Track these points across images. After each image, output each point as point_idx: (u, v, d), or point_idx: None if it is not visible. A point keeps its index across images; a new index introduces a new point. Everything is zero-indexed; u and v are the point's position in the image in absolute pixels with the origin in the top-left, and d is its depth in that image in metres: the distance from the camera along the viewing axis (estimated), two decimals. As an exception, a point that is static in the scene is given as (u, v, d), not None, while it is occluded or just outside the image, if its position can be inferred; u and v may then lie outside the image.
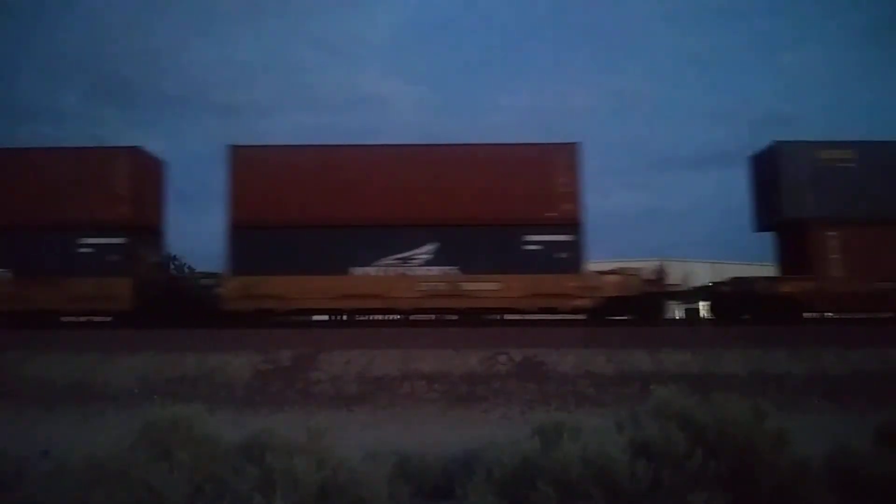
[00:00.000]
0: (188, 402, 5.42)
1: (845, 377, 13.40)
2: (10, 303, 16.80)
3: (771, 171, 17.99)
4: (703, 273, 24.43)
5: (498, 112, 76.82)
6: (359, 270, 16.83)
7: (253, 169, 17.24)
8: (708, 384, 12.18)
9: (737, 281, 18.18)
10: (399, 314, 18.00)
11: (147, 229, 18.27)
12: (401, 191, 17.05)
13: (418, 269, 16.84)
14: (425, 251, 16.90)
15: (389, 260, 16.88)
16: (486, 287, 16.69)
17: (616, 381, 13.47)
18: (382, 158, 17.67)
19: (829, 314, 18.12)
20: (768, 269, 19.85)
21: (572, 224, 16.90)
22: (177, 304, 17.88)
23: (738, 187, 23.61)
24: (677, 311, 18.56)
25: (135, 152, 17.88)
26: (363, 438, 7.57)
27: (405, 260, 16.89)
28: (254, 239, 16.78)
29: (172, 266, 20.62)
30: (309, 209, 16.94)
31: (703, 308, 20.69)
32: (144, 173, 18.20)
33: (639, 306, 17.56)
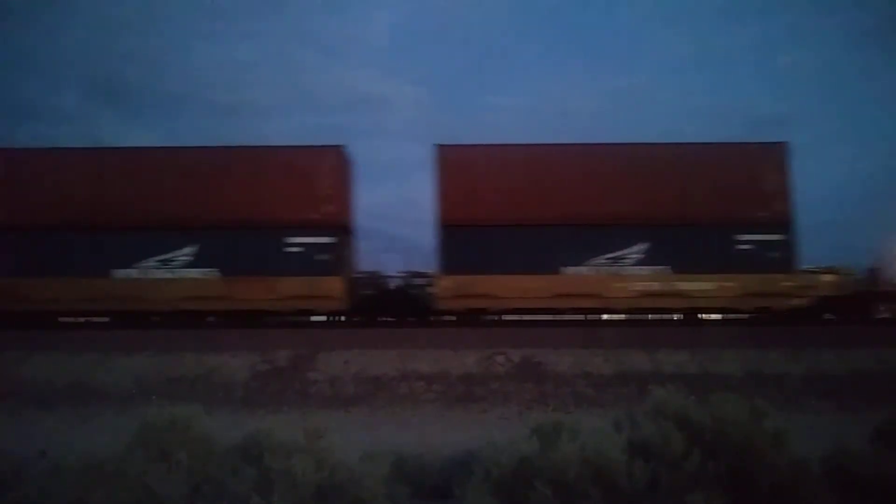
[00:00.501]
0: (186, 403, 5.41)
1: (843, 377, 13.42)
2: (221, 303, 16.86)
3: None
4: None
5: (498, 112, 76.99)
6: (570, 270, 16.82)
7: (463, 168, 17.22)
8: (706, 384, 12.21)
9: None
10: (614, 313, 18.09)
11: (348, 228, 18.24)
12: (613, 190, 17.02)
13: (630, 269, 16.81)
14: (637, 250, 16.87)
15: (601, 259, 16.85)
16: (701, 287, 16.67)
17: (614, 381, 13.48)
18: (594, 157, 17.57)
19: (828, 315, 18.17)
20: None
21: (784, 223, 16.86)
22: (391, 303, 18.02)
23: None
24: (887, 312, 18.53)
25: (339, 151, 17.75)
26: (361, 439, 7.56)
27: (616, 259, 16.87)
28: (465, 238, 16.78)
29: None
30: (521, 208, 16.89)
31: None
32: (346, 172, 18.19)
33: (850, 306, 17.52)
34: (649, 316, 18.52)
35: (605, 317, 18.67)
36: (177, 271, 16.83)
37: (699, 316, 17.82)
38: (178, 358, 14.44)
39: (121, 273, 16.77)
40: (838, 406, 12.26)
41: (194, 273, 16.83)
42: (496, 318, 18.14)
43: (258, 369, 14.08)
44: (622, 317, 18.47)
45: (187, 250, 16.90)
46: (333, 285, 16.70)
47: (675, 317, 18.23)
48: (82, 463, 4.36)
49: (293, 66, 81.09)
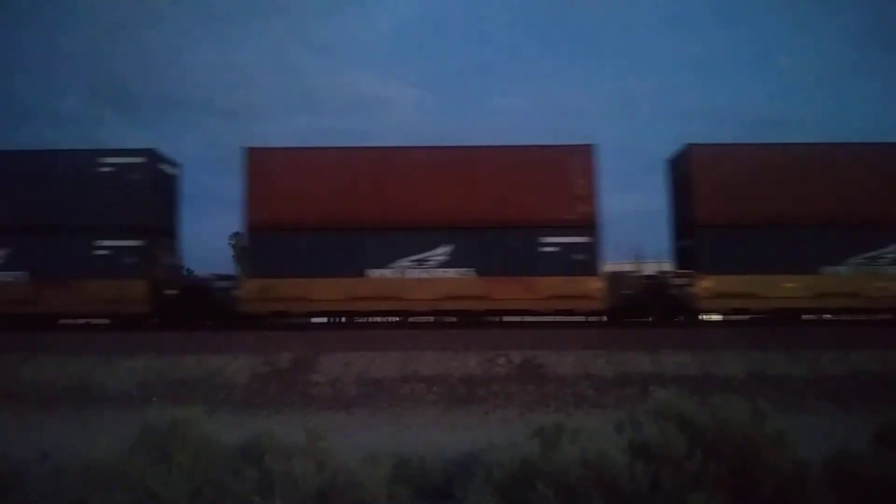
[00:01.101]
0: (187, 405, 5.42)
1: (844, 378, 13.40)
2: (478, 302, 16.93)
3: None
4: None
5: (497, 114, 77.07)
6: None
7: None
8: (707, 386, 12.20)
9: None
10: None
11: (599, 228, 17.87)
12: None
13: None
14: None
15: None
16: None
17: (615, 382, 13.46)
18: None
19: (828, 315, 18.19)
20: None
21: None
22: (651, 302, 17.82)
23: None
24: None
25: (589, 150, 17.56)
26: (362, 441, 7.56)
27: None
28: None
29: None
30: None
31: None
32: (595, 171, 17.92)
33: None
34: (649, 318, 18.48)
35: (604, 318, 18.62)
36: (432, 271, 16.93)
37: (700, 317, 17.82)
38: (180, 360, 14.43)
39: (375, 273, 16.89)
40: (839, 407, 12.24)
41: (451, 273, 16.92)
42: (496, 319, 18.17)
43: (259, 371, 14.07)
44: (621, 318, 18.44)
45: (442, 250, 16.97)
46: (593, 285, 16.71)
47: (678, 318, 18.20)
48: (83, 465, 4.37)
49: (294, 68, 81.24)
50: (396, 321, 18.09)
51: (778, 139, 17.90)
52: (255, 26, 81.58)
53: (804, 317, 17.64)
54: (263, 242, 16.92)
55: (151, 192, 17.46)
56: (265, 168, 17.23)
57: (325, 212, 16.96)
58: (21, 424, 11.46)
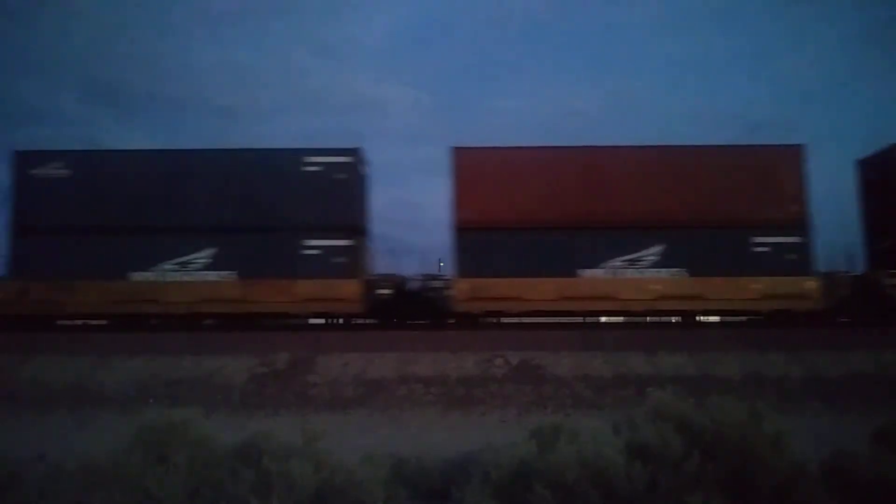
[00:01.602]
0: (184, 406, 5.41)
1: (843, 379, 13.43)
2: (695, 302, 16.90)
3: None
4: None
5: (496, 115, 77.08)
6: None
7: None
8: (705, 387, 12.21)
9: None
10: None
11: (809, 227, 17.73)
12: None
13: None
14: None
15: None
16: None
17: (613, 383, 13.48)
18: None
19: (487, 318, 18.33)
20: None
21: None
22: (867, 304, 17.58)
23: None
24: None
25: (800, 150, 17.45)
26: (360, 441, 7.57)
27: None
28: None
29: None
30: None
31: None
32: (805, 171, 17.73)
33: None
34: (647, 319, 18.51)
35: (603, 319, 18.67)
36: (644, 271, 16.92)
37: (697, 318, 17.83)
38: (177, 361, 14.43)
39: (587, 272, 16.91)
40: (837, 408, 12.27)
41: (663, 273, 16.92)
42: (494, 320, 18.14)
43: (257, 372, 14.07)
44: (620, 319, 18.46)
45: (654, 249, 16.96)
46: (808, 285, 16.64)
47: (673, 319, 18.23)
48: (81, 466, 4.36)
49: (293, 69, 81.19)
50: (604, 321, 18.18)
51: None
52: (254, 27, 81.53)
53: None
54: (474, 242, 16.96)
55: (358, 191, 17.58)
56: (474, 168, 17.30)
57: (536, 211, 17.02)
58: (18, 425, 11.46)
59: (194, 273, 16.93)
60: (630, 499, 4.09)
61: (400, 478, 4.91)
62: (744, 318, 17.91)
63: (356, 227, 17.26)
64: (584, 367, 14.03)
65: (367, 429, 11.33)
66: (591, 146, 18.06)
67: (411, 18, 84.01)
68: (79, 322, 18.04)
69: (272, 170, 17.37)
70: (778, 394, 12.79)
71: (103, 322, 17.82)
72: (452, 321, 17.39)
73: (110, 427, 11.12)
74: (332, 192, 17.12)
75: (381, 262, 19.66)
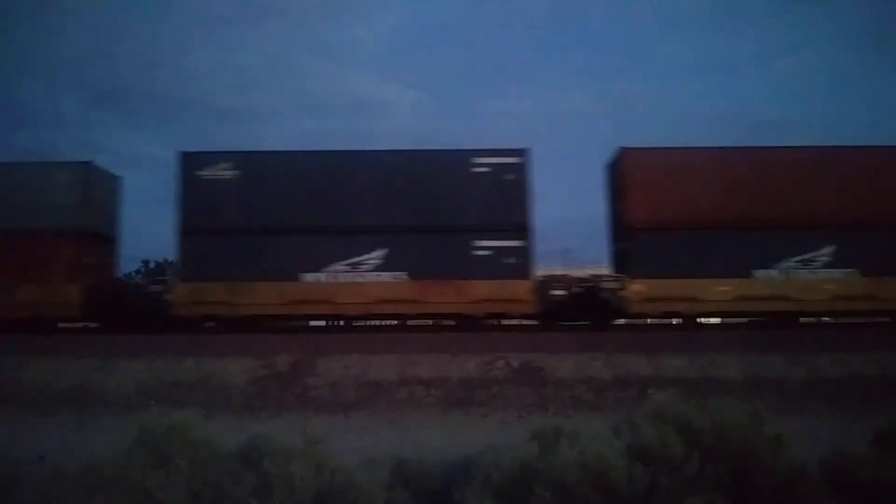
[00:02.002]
0: (185, 408, 5.41)
1: (843, 381, 13.42)
2: (867, 302, 16.88)
3: None
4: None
5: (496, 116, 77.10)
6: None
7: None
8: (705, 388, 12.20)
9: None
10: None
11: None
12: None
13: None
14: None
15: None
16: None
17: (614, 385, 13.47)
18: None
19: (826, 318, 18.22)
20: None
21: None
22: None
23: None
24: None
25: None
26: (360, 444, 7.56)
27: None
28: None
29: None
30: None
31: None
32: None
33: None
34: (647, 320, 18.50)
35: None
36: (817, 271, 16.94)
37: (698, 320, 17.83)
38: (178, 363, 14.43)
39: (761, 273, 16.94)
40: (838, 410, 12.25)
41: (836, 273, 16.92)
42: (496, 322, 18.16)
43: (257, 374, 14.07)
44: (622, 321, 18.47)
45: (826, 250, 16.98)
46: None
47: (674, 321, 18.22)
48: (81, 468, 4.36)
49: (293, 71, 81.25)
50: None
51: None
52: (256, 29, 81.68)
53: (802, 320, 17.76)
54: (649, 242, 17.02)
55: (525, 192, 17.57)
56: (647, 168, 17.38)
57: (710, 211, 17.05)
58: (19, 427, 11.46)
59: (366, 274, 17.02)
60: (631, 500, 4.09)
61: (401, 479, 4.91)
62: (744, 320, 17.96)
63: (525, 228, 17.26)
64: (585, 369, 14.02)
65: (367, 431, 11.32)
66: (763, 147, 18.28)
67: (412, 20, 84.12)
68: (79, 325, 18.10)
69: (441, 170, 17.50)
70: (778, 395, 12.77)
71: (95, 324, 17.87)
72: (624, 322, 17.54)
73: (111, 429, 11.12)
74: (501, 193, 17.25)
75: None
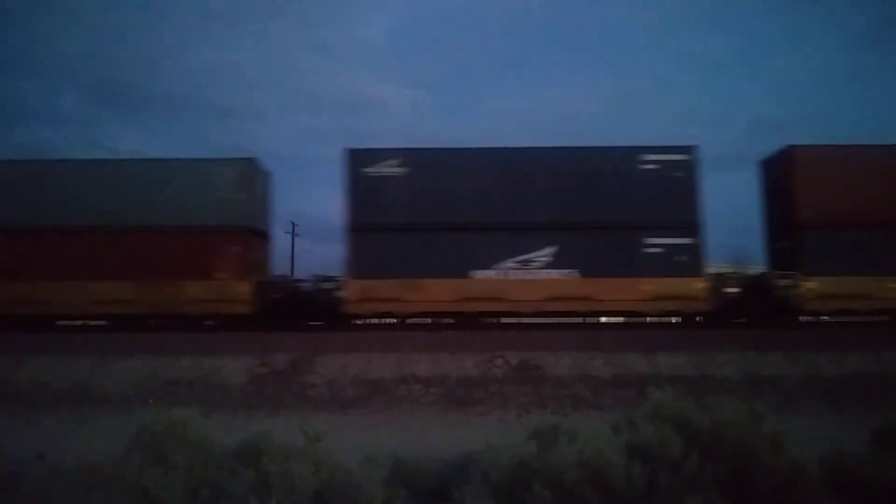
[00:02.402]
0: (184, 406, 5.41)
1: (841, 379, 13.43)
2: None
3: None
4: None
5: (495, 115, 77.09)
6: None
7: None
8: (704, 387, 12.21)
9: None
10: None
11: None
12: None
13: None
14: None
15: None
16: None
17: (612, 384, 13.48)
18: None
19: (825, 317, 18.21)
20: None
21: None
22: None
23: (736, 191, 23.62)
24: None
25: None
26: (359, 442, 7.55)
27: None
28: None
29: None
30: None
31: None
32: None
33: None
34: (647, 320, 18.52)
35: (603, 320, 18.69)
36: None
37: (697, 319, 17.83)
38: (176, 361, 14.42)
39: None
40: (836, 408, 12.27)
41: None
42: (495, 321, 18.14)
43: (256, 372, 14.06)
44: (621, 320, 18.48)
45: None
46: None
47: (673, 320, 18.24)
48: (80, 466, 4.35)
49: (291, 69, 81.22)
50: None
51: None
52: (254, 28, 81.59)
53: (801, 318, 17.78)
54: (818, 240, 17.06)
55: (694, 189, 17.55)
56: (817, 166, 17.37)
57: (880, 208, 17.10)
58: (17, 425, 11.45)
59: (537, 271, 17.04)
60: (629, 499, 4.09)
61: (399, 478, 4.90)
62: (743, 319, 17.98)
63: (696, 225, 17.25)
64: (584, 367, 14.03)
65: (366, 429, 11.32)
66: None
67: (411, 19, 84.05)
68: (79, 322, 18.10)
69: (609, 167, 17.51)
70: (777, 394, 12.78)
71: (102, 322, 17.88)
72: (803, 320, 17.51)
73: (109, 427, 11.12)
74: (670, 190, 17.26)
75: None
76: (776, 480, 4.36)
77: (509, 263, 17.09)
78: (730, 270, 18.90)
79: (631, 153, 17.57)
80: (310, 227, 58.56)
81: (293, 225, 39.35)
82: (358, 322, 17.84)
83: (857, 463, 4.72)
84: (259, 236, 18.78)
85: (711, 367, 13.99)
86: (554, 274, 17.07)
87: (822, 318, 18.05)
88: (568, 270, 17.07)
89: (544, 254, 17.14)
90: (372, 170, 17.44)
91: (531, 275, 17.04)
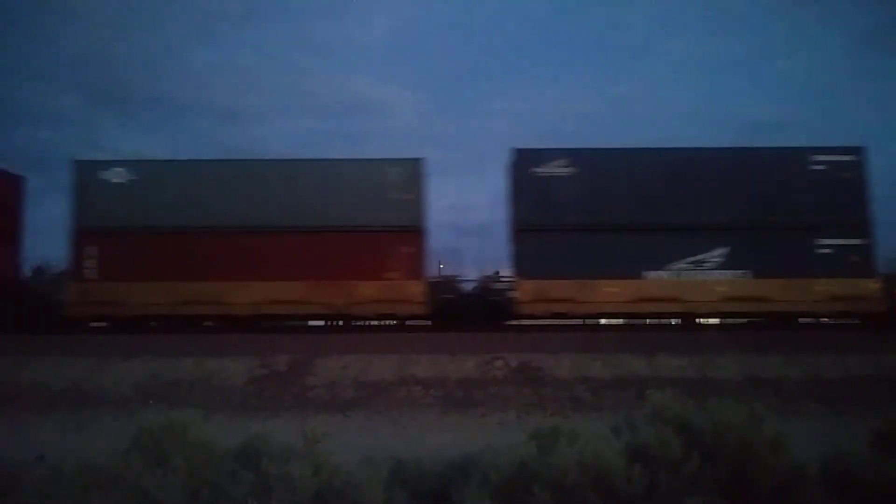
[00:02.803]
0: (183, 407, 5.40)
1: (842, 381, 13.42)
2: None
3: None
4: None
5: (495, 116, 77.15)
6: None
7: None
8: (704, 389, 12.20)
9: None
10: None
11: None
12: None
13: None
14: None
15: None
16: None
17: (612, 385, 13.46)
18: None
19: (825, 319, 18.18)
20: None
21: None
22: None
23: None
24: None
25: None
26: (359, 443, 7.55)
27: None
28: None
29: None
30: None
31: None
32: None
33: None
34: (647, 321, 18.51)
35: (602, 321, 18.68)
36: None
37: (697, 321, 17.83)
38: (176, 362, 14.41)
39: None
40: (837, 410, 12.26)
41: None
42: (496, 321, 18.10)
43: (256, 374, 14.05)
44: (620, 321, 18.47)
45: None
46: None
47: (673, 321, 18.23)
48: (80, 468, 4.35)
49: (292, 71, 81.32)
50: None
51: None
52: (254, 29, 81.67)
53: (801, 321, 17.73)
54: None
55: (866, 190, 17.48)
56: None
57: None
58: (17, 427, 11.44)
59: (709, 272, 17.05)
60: (630, 501, 4.09)
61: (399, 480, 4.90)
62: (743, 321, 17.97)
63: (867, 226, 17.21)
64: (584, 368, 14.02)
65: (366, 431, 11.31)
66: None
67: (411, 20, 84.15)
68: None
69: (778, 168, 17.52)
70: (777, 395, 12.77)
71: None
72: None
73: (109, 429, 11.11)
74: (840, 191, 17.24)
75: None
76: (776, 482, 4.35)
77: (682, 264, 17.09)
78: None
79: (801, 154, 17.61)
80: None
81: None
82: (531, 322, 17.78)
83: (857, 465, 4.72)
84: (424, 236, 18.71)
85: (712, 368, 13.97)
86: (727, 275, 17.04)
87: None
88: (741, 271, 17.04)
89: (716, 254, 17.13)
90: (541, 170, 17.47)
91: (704, 276, 17.03)
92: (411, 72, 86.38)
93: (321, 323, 18.63)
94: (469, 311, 18.08)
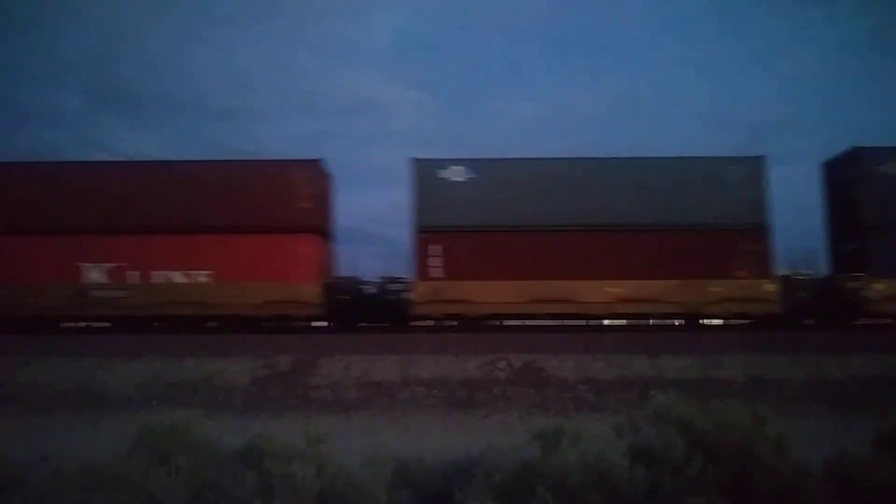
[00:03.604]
0: (187, 408, 5.41)
1: (845, 382, 13.39)
2: None
3: None
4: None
5: (498, 118, 77.07)
6: None
7: None
8: (707, 390, 12.19)
9: None
10: None
11: None
12: None
13: None
14: None
15: None
16: None
17: (615, 386, 13.45)
18: None
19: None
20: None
21: None
22: None
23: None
24: None
25: None
26: (362, 444, 7.55)
27: None
28: None
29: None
30: None
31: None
32: None
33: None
34: (650, 321, 18.48)
35: (605, 322, 18.66)
36: None
37: (701, 321, 17.80)
38: (179, 363, 14.43)
39: None
40: (840, 411, 12.23)
41: None
42: (497, 323, 18.12)
43: (259, 374, 14.06)
44: (623, 322, 18.44)
45: None
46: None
47: (677, 322, 18.19)
48: (83, 468, 4.36)
49: (294, 71, 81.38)
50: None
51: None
52: (255, 29, 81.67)
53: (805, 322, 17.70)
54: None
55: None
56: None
57: None
58: (21, 427, 11.46)
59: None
60: (632, 501, 4.08)
61: (402, 480, 4.90)
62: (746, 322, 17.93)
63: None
64: (587, 369, 14.01)
65: (368, 431, 11.31)
66: None
67: (414, 21, 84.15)
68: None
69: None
70: (780, 396, 12.75)
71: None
72: None
73: (112, 429, 11.13)
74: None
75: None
76: (779, 483, 4.34)
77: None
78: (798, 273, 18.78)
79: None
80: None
81: None
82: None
83: (860, 466, 4.71)
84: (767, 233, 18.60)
85: (715, 369, 13.95)
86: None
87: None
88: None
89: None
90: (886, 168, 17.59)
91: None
92: (413, 72, 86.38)
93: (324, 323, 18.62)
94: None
